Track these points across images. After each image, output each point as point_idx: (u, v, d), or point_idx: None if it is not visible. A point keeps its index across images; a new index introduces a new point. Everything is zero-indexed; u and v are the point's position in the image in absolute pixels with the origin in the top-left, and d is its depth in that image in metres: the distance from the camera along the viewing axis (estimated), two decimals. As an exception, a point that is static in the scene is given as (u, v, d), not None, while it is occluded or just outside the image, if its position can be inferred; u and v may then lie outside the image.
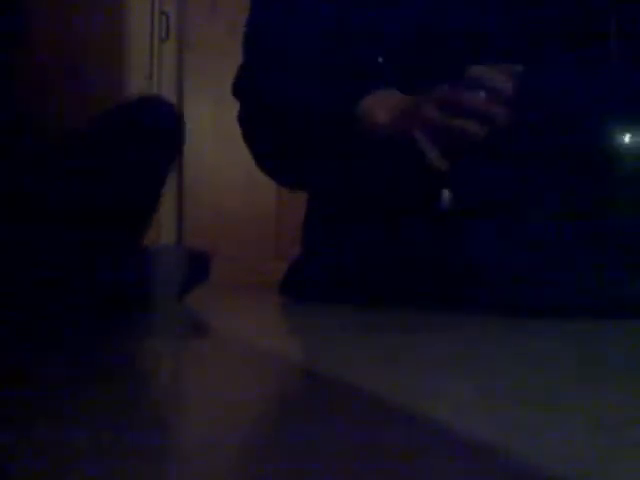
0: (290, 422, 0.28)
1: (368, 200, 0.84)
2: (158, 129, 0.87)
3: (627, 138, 0.67)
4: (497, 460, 0.22)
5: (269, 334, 0.66)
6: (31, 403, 0.31)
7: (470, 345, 0.53)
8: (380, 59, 0.83)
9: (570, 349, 0.51)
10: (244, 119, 0.96)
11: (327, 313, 0.79)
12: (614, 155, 0.68)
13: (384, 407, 0.30)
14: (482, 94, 0.72)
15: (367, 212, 0.85)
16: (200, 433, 0.26)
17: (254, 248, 2.41)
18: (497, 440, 0.24)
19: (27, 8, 1.96)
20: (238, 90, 0.96)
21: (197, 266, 0.87)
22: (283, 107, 0.88)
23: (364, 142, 0.80)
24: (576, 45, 0.78)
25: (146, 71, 2.34)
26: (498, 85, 0.72)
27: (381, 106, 0.78)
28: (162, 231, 2.29)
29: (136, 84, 2.14)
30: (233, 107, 0.99)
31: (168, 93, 2.37)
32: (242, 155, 1.06)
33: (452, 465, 0.22)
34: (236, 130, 0.99)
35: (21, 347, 0.51)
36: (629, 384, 0.36)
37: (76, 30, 2.21)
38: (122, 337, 0.61)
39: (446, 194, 0.73)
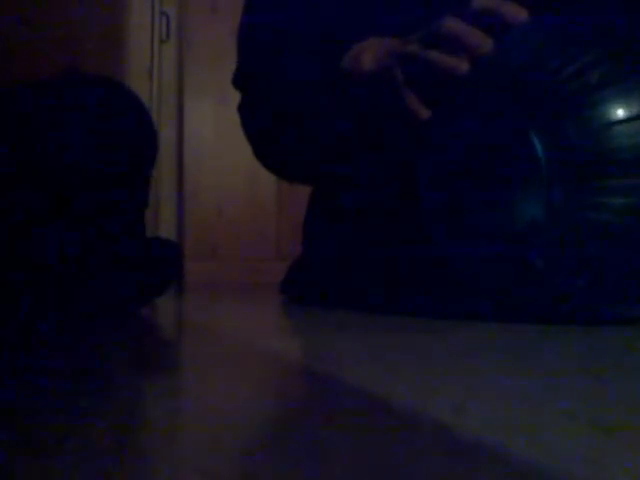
0: (290, 422, 0.28)
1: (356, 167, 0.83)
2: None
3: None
4: (497, 460, 0.22)
5: (269, 334, 0.66)
6: (33, 402, 0.31)
7: (469, 345, 0.53)
8: None
9: (568, 348, 0.51)
10: (243, 106, 0.97)
11: (327, 313, 0.79)
12: None
13: (384, 407, 0.30)
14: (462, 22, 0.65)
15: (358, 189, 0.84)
16: (199, 432, 0.26)
17: (254, 248, 2.41)
18: (497, 440, 0.24)
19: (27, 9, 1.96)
20: (238, 79, 0.96)
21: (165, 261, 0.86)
22: (278, 79, 0.88)
23: (350, 97, 0.77)
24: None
25: (146, 71, 2.34)
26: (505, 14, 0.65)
27: (367, 50, 0.75)
28: (162, 231, 2.30)
29: (136, 84, 2.14)
30: (233, 107, 0.99)
31: (168, 93, 2.37)
32: (243, 155, 1.07)
33: (452, 465, 0.22)
34: (237, 130, 0.99)
35: (21, 350, 0.51)
36: (629, 384, 0.36)
37: (76, 30, 2.21)
38: (120, 337, 0.61)
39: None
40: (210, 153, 2.41)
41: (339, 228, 0.90)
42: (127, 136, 0.80)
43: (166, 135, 2.31)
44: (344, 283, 0.87)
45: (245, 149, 0.98)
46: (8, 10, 2.14)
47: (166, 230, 2.33)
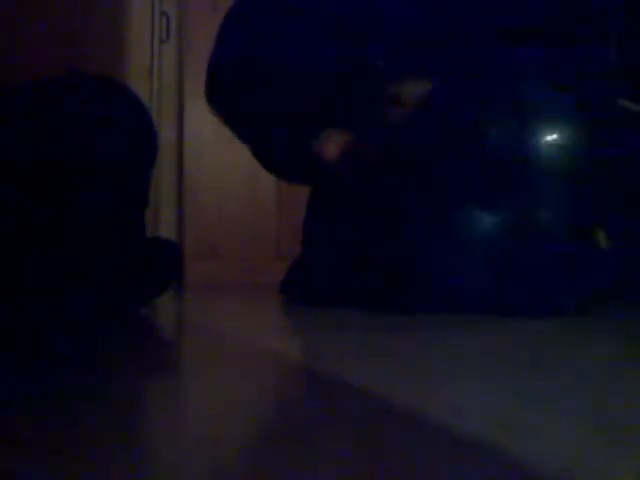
0: (290, 422, 0.28)
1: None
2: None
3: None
4: (497, 460, 0.22)
5: (269, 334, 0.66)
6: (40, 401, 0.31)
7: (469, 345, 0.53)
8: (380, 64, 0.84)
9: (569, 348, 0.51)
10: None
11: (327, 313, 0.79)
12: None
13: (384, 406, 0.30)
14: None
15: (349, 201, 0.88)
16: (199, 432, 0.26)
17: (254, 248, 2.41)
18: (497, 440, 0.24)
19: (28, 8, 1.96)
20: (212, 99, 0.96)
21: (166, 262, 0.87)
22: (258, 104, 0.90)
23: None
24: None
25: (146, 71, 2.34)
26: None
27: (330, 143, 0.86)
28: (162, 231, 2.30)
29: (136, 84, 2.14)
30: (233, 107, 0.99)
31: (168, 93, 2.37)
32: (242, 155, 1.07)
33: (452, 465, 0.22)
34: (236, 130, 0.99)
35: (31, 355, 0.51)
36: (628, 383, 0.36)
37: (76, 30, 2.21)
38: (120, 337, 0.61)
39: None
40: (210, 153, 2.41)
41: (339, 228, 0.90)
42: (127, 136, 0.80)
43: (166, 135, 2.31)
44: (344, 283, 0.87)
45: (245, 149, 0.99)
46: (8, 10, 2.14)
47: (166, 230, 2.33)
